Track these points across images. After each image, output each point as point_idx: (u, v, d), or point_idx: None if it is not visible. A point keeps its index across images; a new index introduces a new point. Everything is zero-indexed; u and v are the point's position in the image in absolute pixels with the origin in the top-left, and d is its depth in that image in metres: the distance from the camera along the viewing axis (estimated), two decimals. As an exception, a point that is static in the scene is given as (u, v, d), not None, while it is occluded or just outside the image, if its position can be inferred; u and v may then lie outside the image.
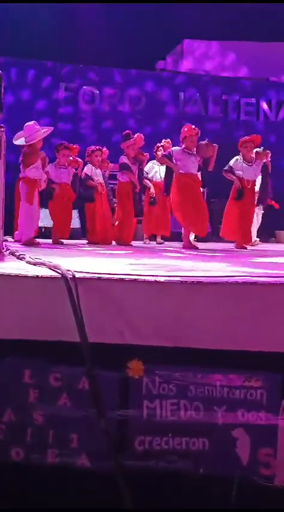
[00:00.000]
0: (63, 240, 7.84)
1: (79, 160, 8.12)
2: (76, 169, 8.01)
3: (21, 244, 6.51)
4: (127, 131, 8.19)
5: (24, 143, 6.72)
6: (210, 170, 7.80)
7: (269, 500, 2.61)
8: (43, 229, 9.34)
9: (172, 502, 2.64)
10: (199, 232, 7.91)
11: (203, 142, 7.78)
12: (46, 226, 9.05)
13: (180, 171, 7.49)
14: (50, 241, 7.97)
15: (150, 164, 8.99)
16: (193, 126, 7.77)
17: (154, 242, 9.06)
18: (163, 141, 9.02)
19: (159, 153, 8.84)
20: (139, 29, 13.34)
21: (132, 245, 7.81)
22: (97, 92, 13.01)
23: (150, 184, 8.88)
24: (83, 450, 2.64)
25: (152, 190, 8.82)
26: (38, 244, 6.83)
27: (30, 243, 6.68)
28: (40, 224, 8.53)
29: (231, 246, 8.24)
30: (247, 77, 14.27)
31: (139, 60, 13.28)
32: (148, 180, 8.91)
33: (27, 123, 6.93)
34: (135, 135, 8.01)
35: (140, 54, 13.21)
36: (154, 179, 8.96)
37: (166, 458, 2.64)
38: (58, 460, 2.64)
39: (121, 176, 7.98)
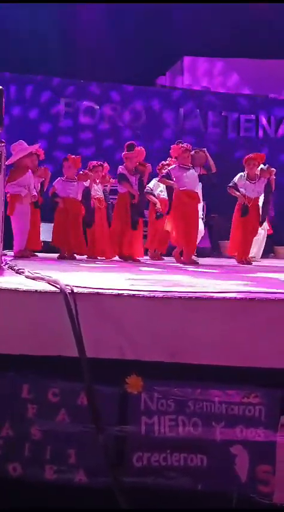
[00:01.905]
0: (68, 255, 7.84)
1: (90, 173, 8.11)
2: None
3: (13, 257, 6.57)
4: (131, 142, 8.15)
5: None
6: (214, 171, 7.91)
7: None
8: (42, 243, 9.35)
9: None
10: (186, 253, 7.86)
11: (192, 152, 7.89)
12: (46, 240, 9.06)
13: (180, 188, 7.58)
14: (51, 255, 7.99)
15: (154, 181, 8.96)
16: (180, 145, 7.86)
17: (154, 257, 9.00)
18: (168, 159, 9.00)
19: (164, 171, 8.84)
20: (140, 45, 13.45)
21: (134, 259, 7.71)
22: (98, 107, 13.08)
23: (155, 200, 8.82)
24: (81, 466, 2.63)
25: (158, 205, 8.75)
26: (29, 257, 6.92)
27: (20, 255, 6.77)
28: (42, 238, 8.56)
29: (232, 261, 8.25)
30: (247, 93, 14.36)
31: (139, 76, 13.37)
32: (153, 195, 8.86)
33: (13, 144, 7.22)
34: (137, 148, 7.98)
35: (140, 70, 13.31)
36: (161, 196, 8.90)
37: (164, 474, 2.63)
38: (56, 476, 2.63)
39: (119, 187, 7.93)
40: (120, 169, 7.84)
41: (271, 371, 2.62)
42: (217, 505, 2.64)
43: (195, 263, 7.42)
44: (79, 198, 7.94)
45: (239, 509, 2.59)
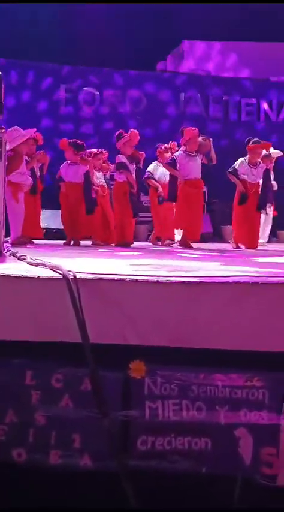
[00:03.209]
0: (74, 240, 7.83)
1: (90, 159, 8.03)
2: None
3: (11, 244, 6.57)
4: (120, 131, 8.05)
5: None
6: (214, 163, 7.92)
7: (272, 500, 2.61)
8: (54, 230, 9.37)
9: (175, 502, 2.64)
10: (192, 236, 7.92)
11: (199, 138, 7.85)
12: (47, 227, 9.06)
13: (185, 178, 7.58)
14: (53, 242, 7.99)
15: (153, 165, 8.90)
16: (194, 128, 7.83)
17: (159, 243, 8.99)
18: (170, 143, 8.94)
19: (167, 155, 8.78)
20: (140, 29, 13.33)
21: (131, 246, 7.72)
22: (98, 93, 13.01)
23: (157, 184, 8.77)
24: (86, 451, 2.64)
25: (160, 189, 8.71)
26: (25, 244, 6.92)
27: (17, 242, 6.78)
28: (44, 225, 8.55)
29: (234, 246, 8.24)
30: (248, 77, 14.25)
31: (140, 61, 13.28)
32: (154, 179, 8.80)
33: (8, 130, 7.16)
34: (129, 132, 7.90)
35: (140, 55, 13.21)
36: (162, 180, 8.86)
37: (168, 458, 2.64)
38: (60, 461, 2.64)
39: (118, 176, 7.86)
40: (120, 158, 7.77)
41: (274, 354, 2.62)
42: (221, 488, 2.65)
43: (190, 246, 7.54)
44: (81, 181, 7.91)
45: (242, 509, 2.61)
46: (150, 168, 8.82)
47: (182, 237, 7.91)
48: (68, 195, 7.85)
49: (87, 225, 7.87)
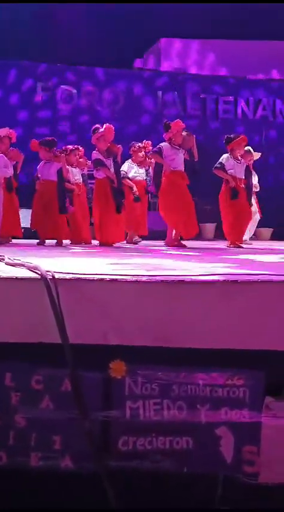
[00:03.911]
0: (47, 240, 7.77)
1: (62, 155, 8.01)
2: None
3: None
4: (96, 125, 7.97)
5: None
6: (196, 160, 7.89)
7: (254, 498, 2.61)
8: (33, 230, 9.28)
9: (157, 502, 2.63)
10: (189, 234, 7.83)
11: (184, 133, 7.84)
12: (26, 226, 9.00)
13: (172, 169, 7.52)
14: (32, 241, 7.94)
15: (127, 164, 8.88)
16: (180, 121, 7.82)
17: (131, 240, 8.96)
18: (144, 142, 8.95)
19: (140, 154, 8.78)
20: (116, 28, 13.32)
21: (112, 244, 7.61)
22: (75, 91, 12.96)
23: (131, 183, 8.77)
24: (67, 452, 2.62)
25: (135, 189, 8.70)
26: (4, 243, 6.89)
27: None
28: (23, 224, 8.49)
29: (213, 243, 8.24)
30: (225, 75, 14.31)
31: (117, 59, 13.26)
32: (128, 178, 8.79)
33: None
34: (104, 126, 7.82)
35: (117, 53, 13.20)
36: (136, 178, 8.85)
37: (150, 458, 2.63)
38: (41, 463, 2.62)
39: (96, 173, 7.75)
40: (95, 154, 7.64)
41: (254, 353, 2.62)
42: (203, 487, 2.65)
43: (182, 246, 7.43)
44: (55, 179, 7.85)
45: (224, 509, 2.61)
46: (124, 167, 8.75)
47: (174, 235, 7.67)
48: (42, 193, 7.80)
49: (60, 224, 7.79)
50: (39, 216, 7.83)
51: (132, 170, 8.84)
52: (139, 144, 8.88)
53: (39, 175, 7.93)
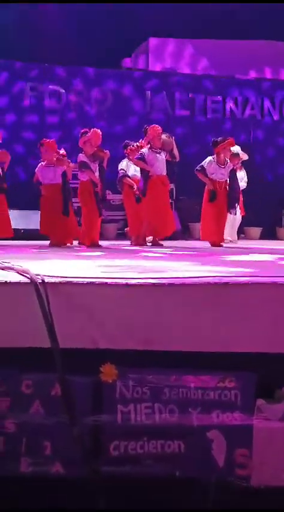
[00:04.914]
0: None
1: (66, 159, 7.97)
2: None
3: None
4: (84, 129, 7.98)
5: None
6: (177, 160, 8.02)
7: (246, 501, 2.60)
8: (22, 231, 9.27)
9: (149, 506, 2.61)
10: (164, 233, 8.00)
11: (163, 136, 7.94)
12: (16, 227, 8.95)
13: (152, 173, 7.69)
14: (21, 243, 7.89)
15: (125, 162, 8.83)
16: (157, 126, 7.95)
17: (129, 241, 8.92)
18: (140, 141, 8.91)
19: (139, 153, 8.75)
20: (104, 27, 13.28)
21: (100, 245, 7.63)
22: (63, 90, 12.90)
23: (132, 182, 8.70)
24: (57, 458, 2.59)
25: (135, 187, 8.65)
26: None
27: None
28: (14, 226, 8.45)
29: (203, 244, 8.28)
30: (213, 74, 14.31)
31: (105, 58, 13.22)
32: (129, 177, 8.72)
33: None
34: (91, 130, 7.80)
35: (105, 53, 13.15)
36: (136, 176, 8.78)
37: (142, 462, 2.61)
38: (31, 469, 2.59)
39: (81, 175, 7.79)
40: (81, 156, 7.70)
41: (245, 355, 2.61)
42: (195, 490, 2.63)
43: (145, 245, 7.62)
44: (60, 181, 7.83)
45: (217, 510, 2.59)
46: (123, 165, 8.75)
47: (143, 235, 8.00)
48: (48, 197, 7.77)
49: (70, 226, 7.82)
50: (48, 220, 7.80)
51: (130, 168, 8.80)
52: (136, 143, 8.85)
53: (40, 180, 7.86)
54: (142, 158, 7.84)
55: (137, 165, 8.16)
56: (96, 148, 7.69)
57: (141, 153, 7.90)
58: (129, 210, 8.83)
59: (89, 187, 7.66)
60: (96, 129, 7.82)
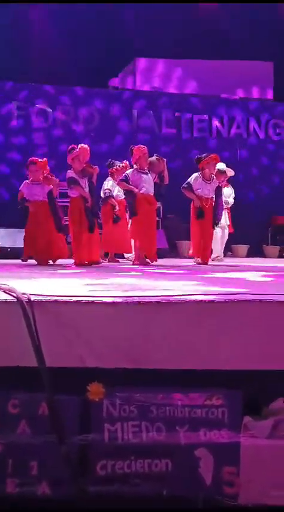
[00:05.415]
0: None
1: (54, 178, 8.01)
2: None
3: None
4: (72, 145, 7.98)
5: None
6: (166, 183, 8.01)
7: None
8: (9, 249, 9.27)
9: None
10: (150, 257, 7.98)
11: (153, 158, 7.93)
12: (2, 246, 8.94)
13: (140, 192, 7.67)
14: (12, 261, 7.87)
15: (111, 182, 8.91)
16: (142, 146, 7.92)
17: (106, 260, 8.92)
18: (124, 161, 8.96)
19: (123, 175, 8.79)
20: (92, 46, 13.39)
21: (89, 264, 7.57)
22: (50, 110, 12.96)
23: (115, 202, 8.79)
24: (44, 478, 2.57)
25: (117, 208, 8.73)
26: None
27: None
28: (1, 244, 8.44)
29: (190, 261, 8.32)
30: (199, 94, 14.46)
31: (92, 78, 13.32)
32: (113, 197, 8.82)
33: None
34: (78, 146, 7.84)
35: (92, 72, 13.25)
36: (119, 197, 8.86)
37: (129, 481, 2.60)
38: (18, 490, 2.56)
39: (71, 192, 7.77)
40: (69, 173, 7.64)
41: (232, 372, 2.61)
42: (183, 509, 2.62)
43: (146, 264, 7.59)
44: (45, 199, 7.86)
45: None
46: (109, 185, 8.82)
47: (140, 255, 7.90)
48: (35, 214, 7.77)
49: (57, 243, 7.81)
50: (31, 240, 7.79)
51: (115, 189, 8.85)
52: (121, 164, 8.90)
53: (25, 197, 7.87)
54: (125, 180, 7.82)
55: (120, 187, 8.19)
56: (84, 165, 7.67)
57: (125, 175, 7.88)
58: (105, 228, 8.90)
59: (79, 203, 7.58)
60: (84, 145, 7.80)
